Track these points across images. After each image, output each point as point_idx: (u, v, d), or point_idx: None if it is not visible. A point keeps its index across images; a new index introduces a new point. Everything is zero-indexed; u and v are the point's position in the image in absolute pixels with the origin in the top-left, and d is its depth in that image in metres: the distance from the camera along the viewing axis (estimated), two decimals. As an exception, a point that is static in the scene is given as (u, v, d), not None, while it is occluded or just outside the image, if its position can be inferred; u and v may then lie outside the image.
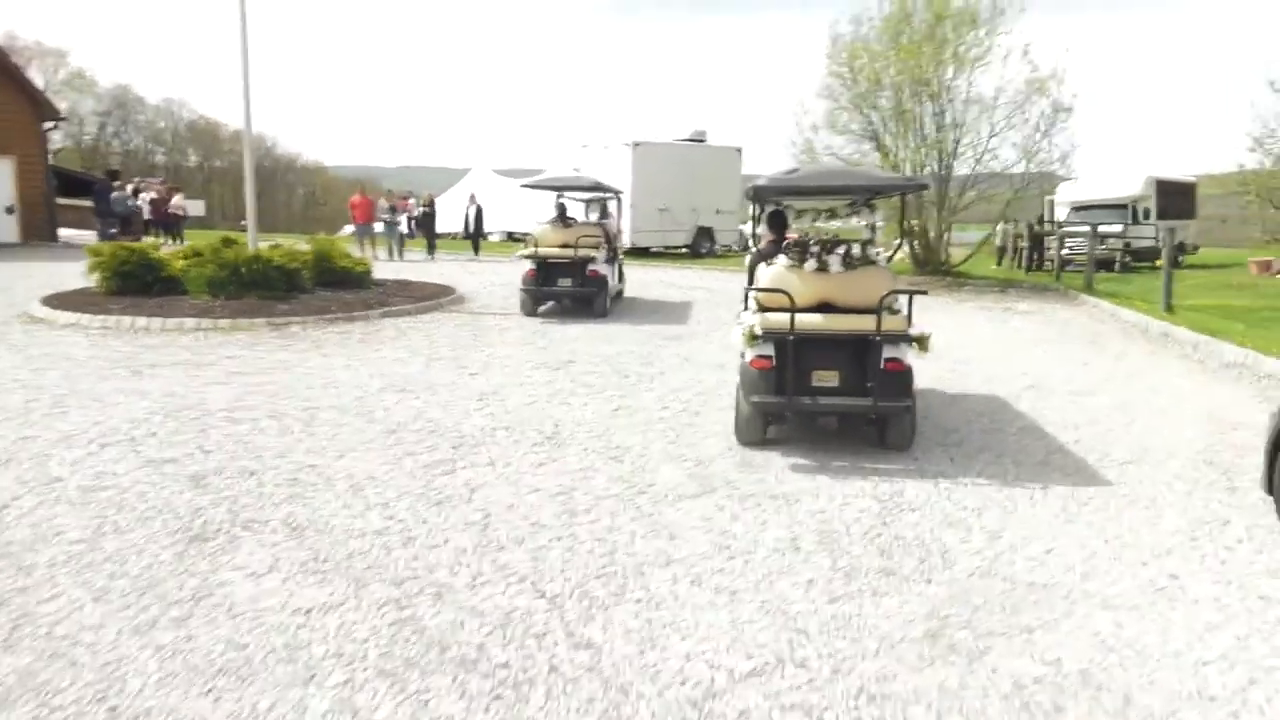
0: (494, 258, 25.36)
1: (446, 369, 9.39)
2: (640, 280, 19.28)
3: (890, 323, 6.50)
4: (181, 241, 22.82)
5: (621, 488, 5.74)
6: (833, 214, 8.68)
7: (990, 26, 17.88)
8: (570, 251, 13.06)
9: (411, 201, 27.86)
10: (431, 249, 24.58)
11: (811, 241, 7.48)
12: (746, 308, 7.17)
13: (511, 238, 42.17)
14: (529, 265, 13.21)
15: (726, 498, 5.59)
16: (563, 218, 14.31)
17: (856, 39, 19.05)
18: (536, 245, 13.30)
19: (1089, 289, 17.52)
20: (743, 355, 6.74)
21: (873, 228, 8.44)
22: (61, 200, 28.48)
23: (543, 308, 13.53)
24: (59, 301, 12.68)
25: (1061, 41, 22.19)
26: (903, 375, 6.54)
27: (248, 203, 14.01)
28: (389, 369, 9.34)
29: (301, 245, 14.63)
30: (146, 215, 25.97)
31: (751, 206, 8.53)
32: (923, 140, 18.72)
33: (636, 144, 25.07)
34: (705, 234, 27.00)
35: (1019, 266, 26.24)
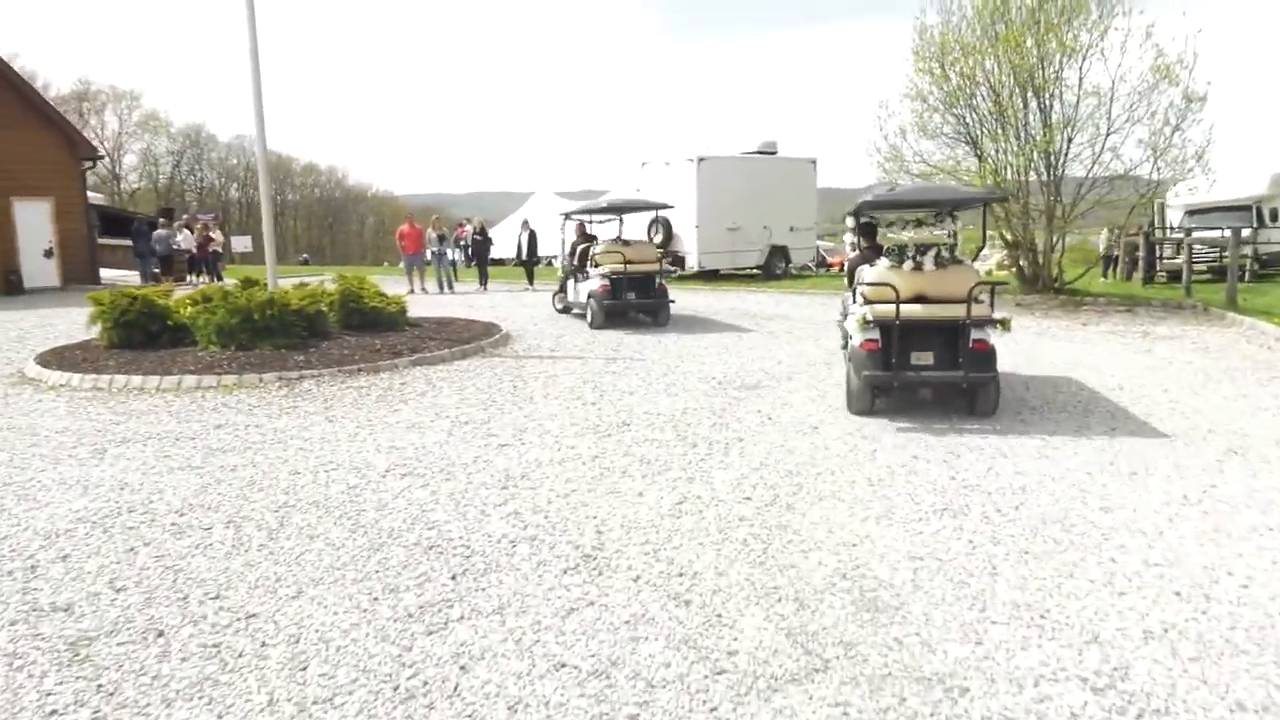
0: (550, 285, 23.65)
1: (472, 439, 7.59)
2: (709, 307, 17.37)
3: (977, 310, 7.95)
4: (218, 280, 21.63)
5: (687, 663, 3.81)
6: (919, 223, 9.25)
7: (1105, 8, 15.60)
8: (639, 268, 14.34)
9: (466, 229, 26.36)
10: (484, 279, 23.00)
11: (909, 246, 8.64)
12: (855, 303, 8.86)
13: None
14: (602, 281, 14.18)
15: (848, 684, 3.63)
16: (621, 238, 15.46)
17: (947, 31, 16.91)
18: (597, 263, 14.43)
19: (1232, 305, 15.06)
20: (846, 343, 9.09)
21: (954, 234, 9.14)
22: (107, 241, 27.82)
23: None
24: (55, 358, 11.26)
25: (1188, 21, 19.59)
26: (988, 353, 7.99)
27: (265, 236, 12.49)
28: (403, 439, 7.58)
29: (328, 283, 13.04)
30: (190, 254, 24.90)
31: (851, 220, 10.01)
32: (1027, 141, 16.46)
33: (701, 158, 23.18)
34: (779, 253, 24.93)
35: (1127, 278, 23.72)
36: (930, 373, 8.06)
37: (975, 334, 7.89)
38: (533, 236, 23.71)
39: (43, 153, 22.66)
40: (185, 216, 28.90)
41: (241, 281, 13.00)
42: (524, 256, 23.79)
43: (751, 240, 24.21)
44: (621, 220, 16.25)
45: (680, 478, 6.42)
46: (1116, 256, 24.61)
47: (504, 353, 12.05)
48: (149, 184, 78.37)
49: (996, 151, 16.80)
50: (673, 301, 15.05)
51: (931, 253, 8.52)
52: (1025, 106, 16.52)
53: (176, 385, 9.92)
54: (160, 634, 4.14)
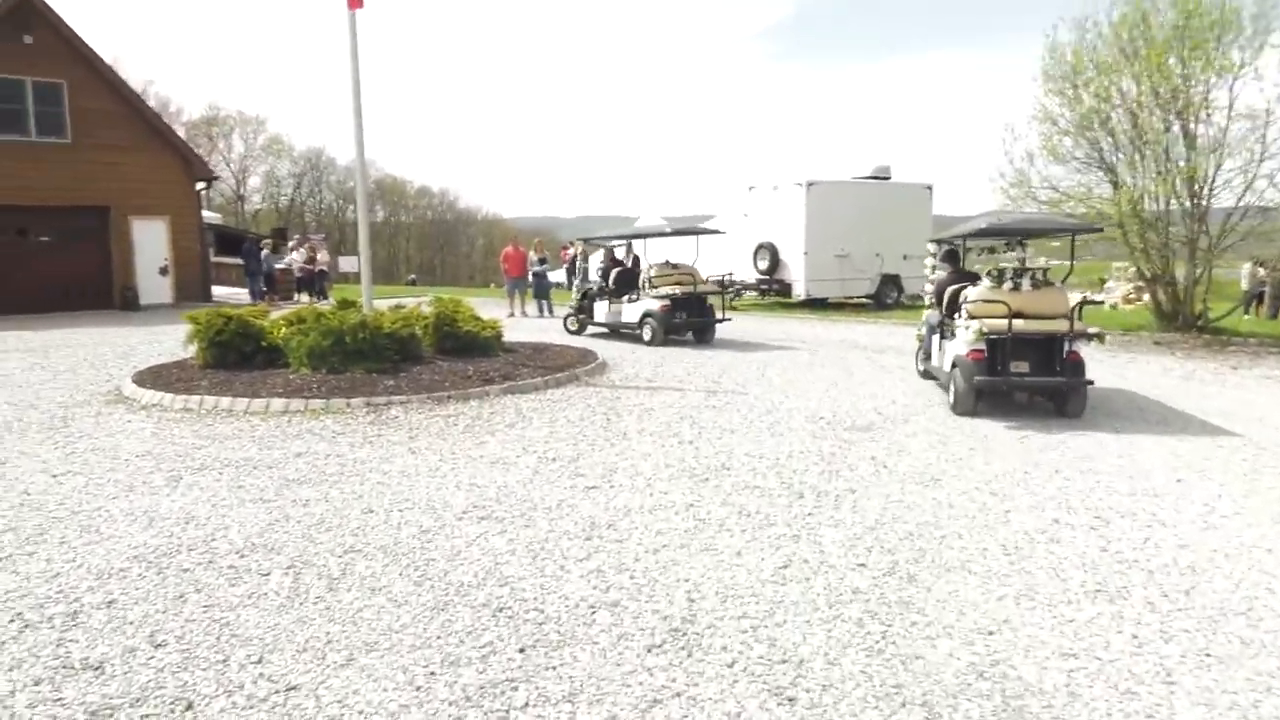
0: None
1: (558, 478, 7.02)
2: (816, 338, 16.57)
3: (1070, 327, 9.16)
4: (322, 299, 21.77)
5: (790, 787, 3.13)
6: (992, 250, 10.96)
7: (1260, 25, 14.30)
8: (691, 289, 15.48)
9: (570, 251, 26.11)
10: (584, 304, 22.60)
11: (1007, 270, 9.82)
12: (946, 324, 10.38)
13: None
14: (663, 301, 15.13)
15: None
16: (669, 262, 16.59)
17: (1080, 49, 15.79)
18: (655, 284, 15.57)
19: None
20: (927, 355, 11.06)
21: (1022, 260, 10.17)
22: (223, 259, 28.50)
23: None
24: (150, 377, 11.19)
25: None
26: (1080, 363, 9.17)
27: (361, 258, 12.26)
28: (485, 477, 7.07)
29: (425, 306, 12.75)
30: (297, 273, 25.23)
31: (933, 245, 11.89)
32: (1169, 167, 15.18)
33: (810, 183, 22.40)
34: (891, 282, 23.90)
35: (1272, 316, 21.96)
36: (1031, 378, 9.28)
37: (1070, 345, 9.16)
38: (636, 261, 23.26)
39: (161, 173, 23.31)
40: (297, 237, 29.42)
41: (339, 302, 12.83)
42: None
43: (862, 268, 23.27)
44: (613, 247, 17.81)
45: (785, 535, 5.72)
46: (1262, 293, 22.83)
47: (599, 382, 11.51)
48: (270, 205, 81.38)
49: (1134, 178, 15.56)
50: (721, 320, 16.00)
51: (1027, 276, 9.71)
52: (1167, 130, 15.25)
53: (264, 408, 9.68)
54: (189, 706, 3.65)
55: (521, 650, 4.13)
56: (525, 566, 5.17)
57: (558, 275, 29.30)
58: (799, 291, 22.92)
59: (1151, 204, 15.58)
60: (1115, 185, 15.72)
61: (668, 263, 16.55)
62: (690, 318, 15.40)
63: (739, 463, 7.50)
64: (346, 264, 33.04)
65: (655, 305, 15.16)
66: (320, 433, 8.68)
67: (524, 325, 18.76)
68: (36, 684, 3.84)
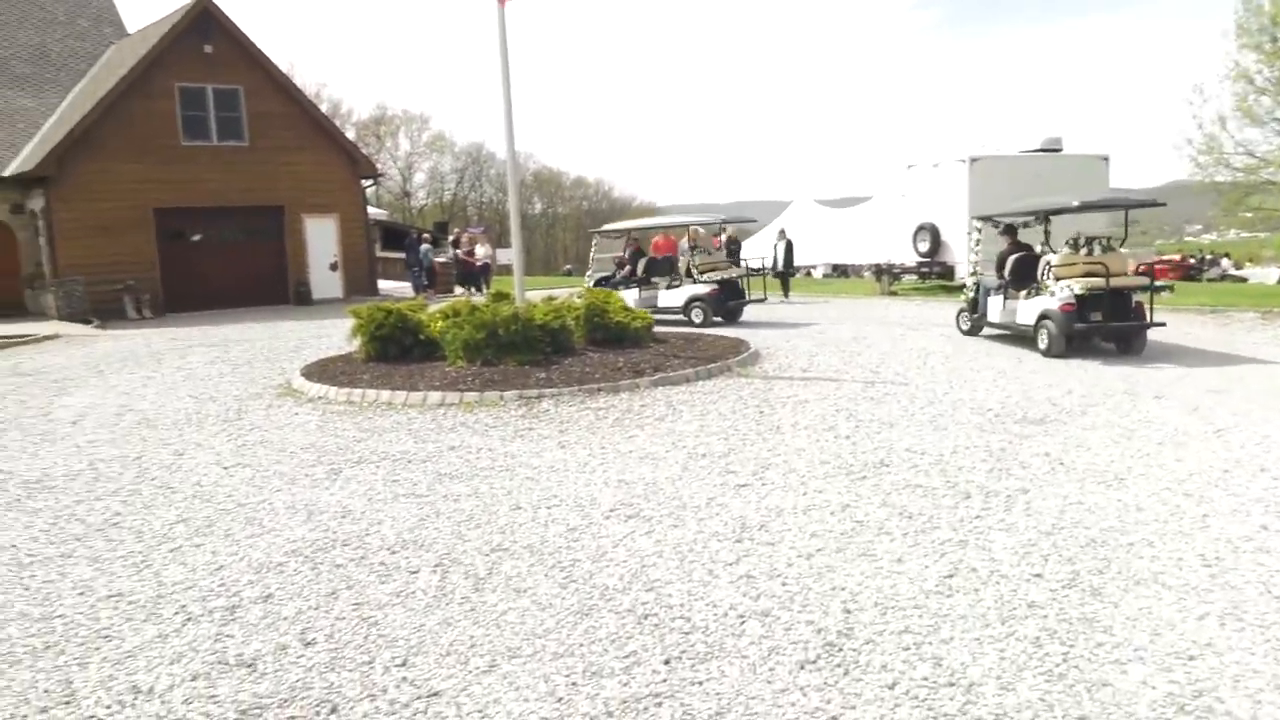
0: (805, 298, 22.64)
1: (708, 475, 6.81)
2: (982, 324, 15.67)
3: (1140, 280, 12.31)
4: (478, 293, 22.23)
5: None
6: (1026, 225, 13.43)
7: None
8: (729, 275, 17.59)
9: (720, 238, 25.83)
10: (737, 291, 22.29)
11: (1080, 238, 12.28)
12: (1012, 286, 12.97)
13: (837, 271, 39.28)
14: (711, 287, 16.68)
15: None
16: (705, 250, 18.69)
17: (1281, -1, 14.33)
18: (703, 271, 17.10)
19: None
20: (975, 307, 13.78)
21: (1047, 234, 13.04)
22: (387, 254, 29.58)
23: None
24: (317, 371, 11.64)
25: None
26: (1143, 310, 11.82)
27: (513, 250, 12.37)
28: (634, 472, 6.94)
29: (577, 297, 12.76)
30: (456, 267, 25.87)
31: (980, 223, 14.12)
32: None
33: (974, 159, 21.30)
34: (1063, 261, 22.51)
35: None
36: (1111, 324, 11.69)
37: (1135, 298, 11.82)
38: (789, 246, 22.77)
39: (329, 172, 24.39)
40: (457, 231, 30.23)
41: (492, 295, 13.00)
42: (779, 267, 22.88)
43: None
44: (635, 236, 19.11)
45: (950, 540, 5.32)
46: None
47: (752, 373, 11.22)
48: (434, 200, 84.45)
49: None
50: (758, 301, 18.33)
51: (1097, 242, 12.10)
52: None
53: (421, 401, 9.87)
54: (334, 710, 3.64)
55: (666, 662, 3.94)
56: (672, 570, 4.99)
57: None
58: (962, 274, 21.87)
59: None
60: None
61: (700, 249, 18.30)
62: (731, 300, 17.07)
63: (899, 459, 7.10)
64: (505, 256, 33.77)
65: (705, 290, 16.69)
66: (473, 426, 8.76)
67: (674, 315, 18.61)
68: (194, 679, 3.93)
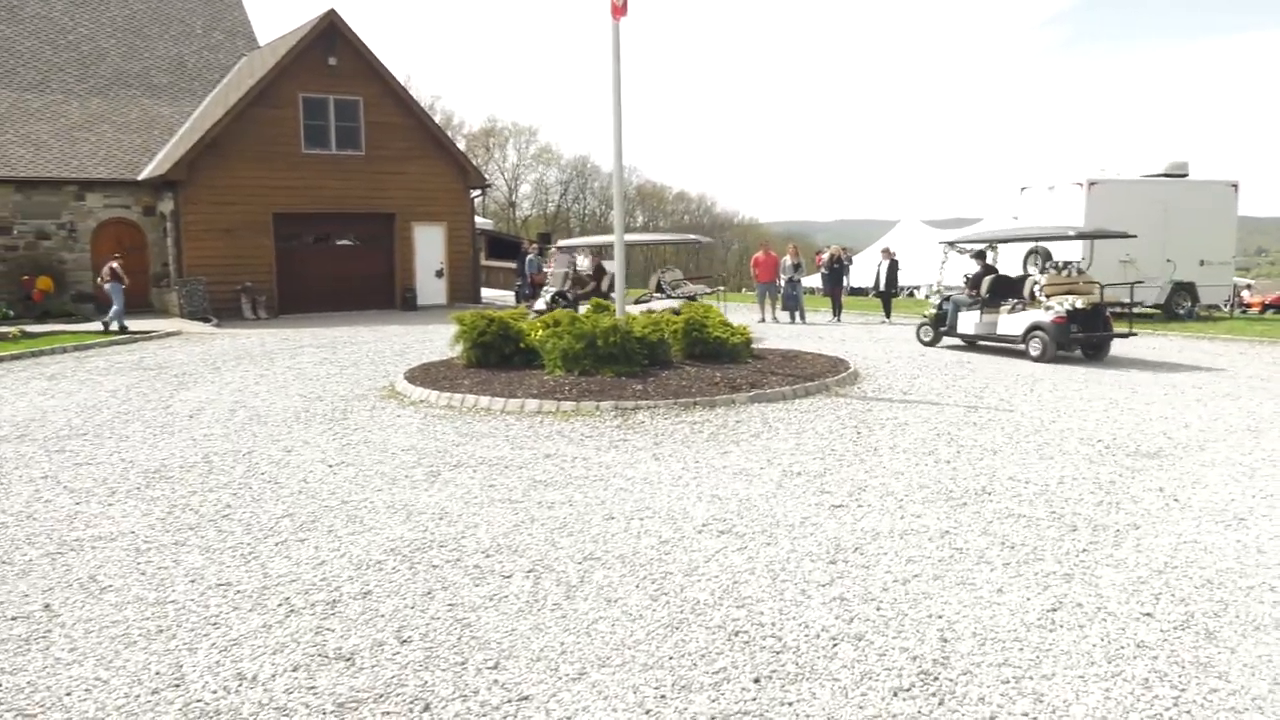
0: (908, 318, 22.18)
1: (803, 494, 6.73)
2: (1094, 352, 15.11)
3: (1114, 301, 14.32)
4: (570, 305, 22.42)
5: None
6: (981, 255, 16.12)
7: None
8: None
9: (824, 256, 25.55)
10: (837, 310, 22.00)
11: (1058, 262, 15.49)
12: (987, 302, 15.02)
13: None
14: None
15: None
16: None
17: None
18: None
19: None
20: (944, 322, 15.62)
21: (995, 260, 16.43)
22: (493, 263, 30.12)
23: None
24: (419, 375, 11.92)
25: None
26: (1110, 322, 14.14)
27: (616, 263, 12.47)
28: (727, 488, 6.90)
29: (672, 311, 12.79)
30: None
31: (946, 246, 16.57)
32: None
33: (1092, 182, 20.60)
34: (1184, 290, 21.55)
35: None
36: (1092, 334, 13.77)
37: (1106, 312, 13.98)
38: (893, 266, 22.38)
39: (440, 181, 25.01)
40: (560, 243, 30.64)
41: (592, 306, 13.13)
42: (882, 287, 22.50)
43: (1149, 275, 21.13)
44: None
45: (1054, 573, 5.14)
46: None
47: (850, 393, 11.05)
48: (539, 211, 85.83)
49: None
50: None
51: (1074, 265, 14.89)
52: None
53: (520, 408, 10.02)
54: (427, 708, 3.70)
55: (756, 680, 3.90)
56: (764, 588, 4.94)
57: (812, 280, 28.81)
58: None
59: None
60: None
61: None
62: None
63: (1002, 487, 6.89)
64: (610, 267, 34.18)
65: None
66: (570, 435, 8.85)
67: (774, 331, 18.48)
68: (294, 670, 4.05)
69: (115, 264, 19.09)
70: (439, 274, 25.18)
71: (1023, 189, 22.53)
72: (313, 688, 3.88)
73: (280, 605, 4.78)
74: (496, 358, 11.95)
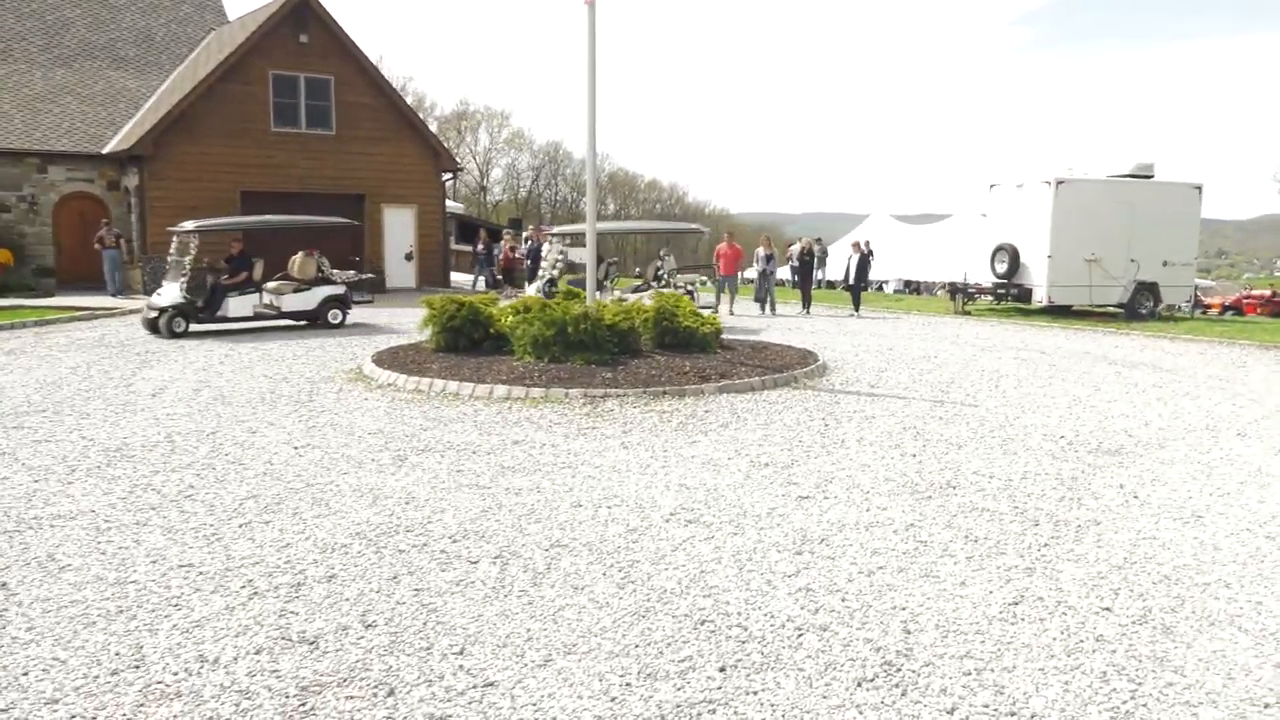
0: (877, 313, 22.36)
1: (770, 485, 6.77)
2: (1057, 348, 15.35)
3: None
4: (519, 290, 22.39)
5: None
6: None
7: None
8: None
9: (794, 248, 25.64)
10: (806, 303, 22.10)
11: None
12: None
13: (909, 288, 38.72)
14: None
15: None
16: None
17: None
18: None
19: None
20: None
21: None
22: (460, 248, 29.93)
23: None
24: (387, 358, 11.83)
25: None
26: None
27: (588, 251, 12.43)
28: (695, 477, 6.92)
29: (646, 299, 12.78)
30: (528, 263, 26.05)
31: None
32: None
33: (1060, 181, 20.84)
34: (1147, 291, 21.89)
35: None
36: None
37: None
38: (864, 260, 22.51)
39: (411, 164, 24.82)
40: (530, 228, 30.46)
41: (564, 293, 13.09)
42: (850, 280, 22.65)
43: (1113, 274, 21.44)
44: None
45: (1016, 566, 5.21)
46: None
47: (818, 385, 11.12)
48: (510, 196, 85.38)
49: None
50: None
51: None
52: None
53: (488, 394, 9.97)
54: (391, 692, 3.68)
55: (722, 669, 3.92)
56: (731, 578, 4.96)
57: (783, 272, 28.90)
58: (1039, 297, 21.42)
59: None
60: None
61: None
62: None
63: (966, 481, 6.97)
64: (578, 255, 34.00)
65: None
66: (538, 421, 8.83)
67: (745, 323, 18.55)
68: (257, 653, 4.01)
69: (104, 230, 20.31)
70: (408, 257, 25.00)
71: (992, 186, 22.75)
72: (276, 671, 3.85)
73: (243, 587, 4.73)
74: (466, 342, 11.89)
